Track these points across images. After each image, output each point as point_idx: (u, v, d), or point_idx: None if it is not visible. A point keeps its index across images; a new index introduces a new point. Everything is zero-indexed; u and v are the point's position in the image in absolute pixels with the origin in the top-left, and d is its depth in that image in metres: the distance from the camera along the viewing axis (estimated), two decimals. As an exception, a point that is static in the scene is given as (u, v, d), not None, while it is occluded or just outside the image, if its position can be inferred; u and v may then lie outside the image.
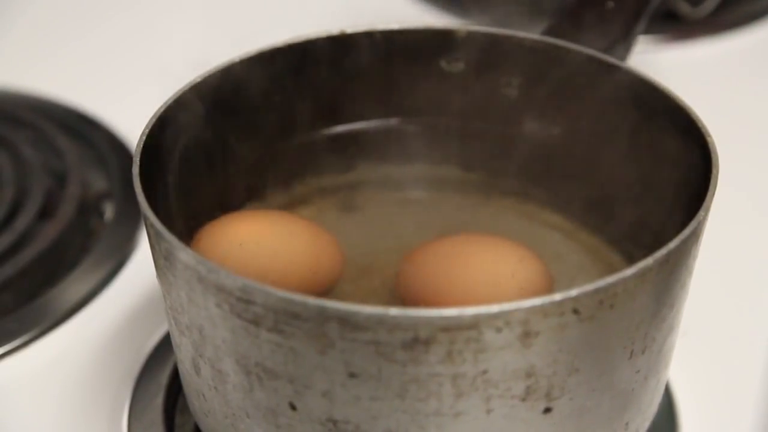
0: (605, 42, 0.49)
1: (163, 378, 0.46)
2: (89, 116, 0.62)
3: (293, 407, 0.35)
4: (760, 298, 0.52)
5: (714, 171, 0.38)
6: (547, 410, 0.35)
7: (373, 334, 0.32)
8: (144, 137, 0.39)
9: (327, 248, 0.44)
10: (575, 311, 0.33)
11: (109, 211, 0.56)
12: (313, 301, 0.32)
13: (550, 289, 0.42)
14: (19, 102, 0.63)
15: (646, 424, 0.40)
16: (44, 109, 0.63)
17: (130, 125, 0.60)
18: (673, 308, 0.38)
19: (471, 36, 0.47)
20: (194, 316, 0.36)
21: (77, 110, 0.63)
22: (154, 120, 0.40)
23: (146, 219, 0.36)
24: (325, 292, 0.43)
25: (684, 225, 0.35)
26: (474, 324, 0.32)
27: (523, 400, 0.34)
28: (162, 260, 0.36)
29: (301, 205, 0.48)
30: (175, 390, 0.46)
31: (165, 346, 0.48)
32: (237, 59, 0.44)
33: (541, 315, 0.32)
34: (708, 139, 0.39)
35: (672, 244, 0.34)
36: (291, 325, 0.33)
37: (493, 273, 0.41)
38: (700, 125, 0.40)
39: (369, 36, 0.47)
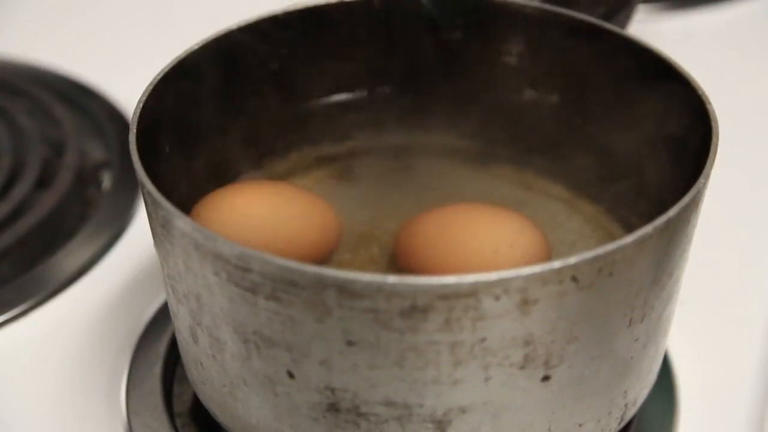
0: (605, 9, 0.48)
1: (161, 347, 0.46)
2: (87, 85, 0.62)
3: (291, 375, 0.35)
4: (758, 266, 0.52)
5: (714, 139, 0.37)
6: (546, 378, 0.35)
7: (371, 302, 0.32)
8: (141, 105, 0.39)
9: (324, 217, 0.43)
10: (574, 279, 0.32)
11: (106, 180, 0.56)
12: (310, 268, 0.31)
13: (548, 258, 0.41)
14: (16, 71, 0.63)
15: (645, 392, 0.40)
16: (41, 78, 0.62)
17: (128, 94, 0.59)
18: (672, 276, 0.37)
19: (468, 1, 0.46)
20: (192, 284, 0.36)
21: (75, 79, 0.63)
22: (150, 88, 0.40)
23: (143, 187, 0.36)
24: (323, 260, 0.43)
25: (684, 193, 0.35)
26: (472, 292, 0.31)
27: (522, 368, 0.34)
28: (159, 228, 0.36)
29: (298, 174, 0.48)
30: (173, 359, 0.46)
31: (163, 315, 0.48)
32: (234, 27, 0.44)
33: (540, 283, 0.32)
34: (708, 107, 0.39)
35: (671, 212, 0.34)
36: (289, 293, 0.32)
37: (492, 242, 0.41)
38: (700, 93, 0.39)
39: (367, 3, 0.46)
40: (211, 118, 0.44)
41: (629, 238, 0.33)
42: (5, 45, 0.65)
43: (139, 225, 0.53)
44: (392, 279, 0.31)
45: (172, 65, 0.41)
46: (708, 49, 0.62)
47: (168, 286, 0.38)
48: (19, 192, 0.53)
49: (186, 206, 0.41)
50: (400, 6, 0.46)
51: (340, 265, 0.43)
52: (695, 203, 0.36)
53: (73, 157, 0.55)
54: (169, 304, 0.40)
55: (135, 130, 0.37)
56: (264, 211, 0.42)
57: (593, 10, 0.46)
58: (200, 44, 0.43)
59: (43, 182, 0.54)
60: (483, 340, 0.33)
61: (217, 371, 0.37)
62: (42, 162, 0.55)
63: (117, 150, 0.57)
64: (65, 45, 0.65)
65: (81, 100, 0.61)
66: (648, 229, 0.33)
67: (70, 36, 0.67)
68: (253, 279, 0.33)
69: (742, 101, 0.59)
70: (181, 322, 0.38)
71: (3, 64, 0.63)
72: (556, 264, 0.32)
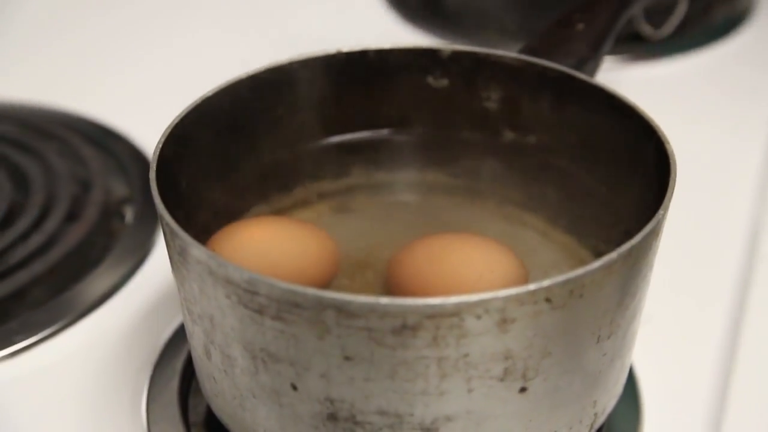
0: (575, 60, 0.49)
1: (178, 364, 0.46)
2: (111, 129, 0.62)
3: (294, 388, 0.35)
4: (712, 288, 0.52)
5: (672, 174, 0.38)
6: (523, 390, 0.35)
7: (365, 321, 0.32)
8: (159, 146, 0.39)
9: (324, 247, 0.44)
10: (548, 300, 0.33)
11: (129, 214, 0.56)
12: (311, 291, 0.32)
13: (525, 282, 0.41)
14: (47, 116, 0.63)
15: (612, 402, 0.40)
16: (70, 122, 0.63)
17: (148, 137, 0.60)
18: (635, 297, 0.38)
19: (454, 55, 0.47)
20: (205, 306, 0.36)
21: (100, 123, 0.63)
22: (168, 131, 0.40)
23: (162, 219, 0.36)
24: (324, 285, 0.43)
25: (645, 223, 0.35)
26: (456, 312, 0.32)
27: (501, 380, 0.34)
28: (176, 256, 0.36)
29: (301, 207, 0.48)
30: (188, 374, 0.46)
31: (179, 335, 0.48)
32: (243, 76, 0.44)
33: (517, 303, 0.32)
34: (667, 146, 0.39)
35: (634, 240, 0.34)
36: (292, 313, 0.33)
37: (474, 267, 0.41)
38: (660, 134, 0.40)
39: (363, 54, 0.47)
40: (223, 158, 0.45)
41: (597, 264, 0.33)
42: (38, 93, 0.65)
43: (159, 253, 0.53)
44: (384, 300, 0.32)
45: (188, 110, 0.42)
46: (668, 95, 0.63)
47: (184, 309, 0.39)
48: (50, 225, 0.53)
49: (201, 236, 0.41)
50: (392, 57, 0.47)
51: (339, 289, 0.43)
52: (655, 232, 0.36)
53: (98, 194, 0.56)
54: (185, 325, 0.40)
55: (155, 169, 0.38)
56: (271, 243, 0.43)
57: (565, 60, 0.47)
58: (213, 92, 0.43)
59: (72, 216, 0.54)
60: (466, 355, 0.33)
61: (228, 385, 0.38)
62: (71, 198, 0.55)
63: (138, 186, 0.57)
64: (92, 92, 0.66)
65: (106, 142, 0.61)
66: (613, 255, 0.34)
67: (96, 84, 0.67)
68: (260, 301, 0.33)
69: (698, 142, 0.60)
70: (196, 340, 0.39)
71: (36, 110, 0.64)
72: (532, 286, 0.32)
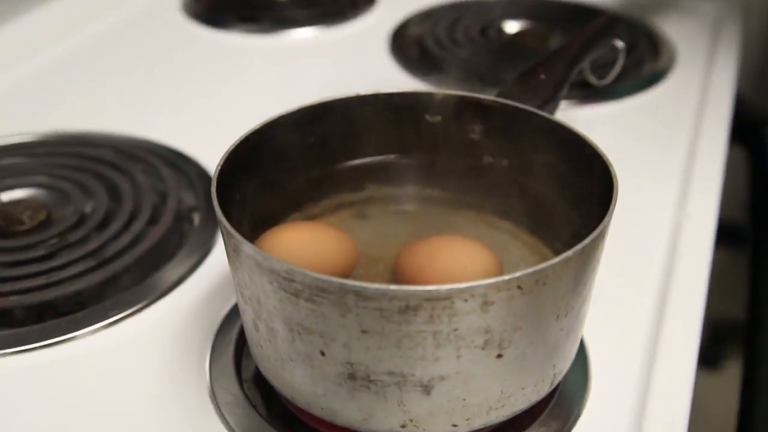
0: (539, 102, 0.48)
1: (233, 334, 0.46)
2: (183, 153, 0.62)
3: (323, 354, 0.35)
4: (644, 276, 0.51)
5: (615, 190, 0.38)
6: (499, 356, 0.35)
7: (378, 303, 0.32)
8: (219, 168, 0.39)
9: (345, 245, 0.44)
10: (519, 287, 0.33)
11: (196, 219, 0.56)
12: (336, 279, 0.32)
13: (501, 273, 0.41)
14: (135, 144, 0.63)
15: (568, 365, 0.40)
16: (152, 148, 0.63)
17: (211, 160, 0.60)
18: (586, 285, 0.37)
19: (445, 97, 0.46)
20: (254, 290, 0.36)
21: (175, 149, 0.63)
22: (226, 155, 0.40)
23: (220, 223, 0.36)
24: (345, 275, 0.43)
25: (594, 228, 0.35)
26: (448, 296, 0.32)
27: (482, 348, 0.34)
28: (231, 252, 0.36)
29: (327, 214, 0.48)
30: (241, 342, 0.46)
31: (234, 312, 0.48)
32: (284, 112, 0.44)
33: (495, 290, 0.32)
34: (610, 168, 0.39)
35: (586, 241, 0.34)
36: (321, 296, 0.33)
37: (461, 262, 0.41)
38: (605, 159, 0.40)
39: (375, 97, 0.46)
40: (267, 176, 0.45)
41: (556, 259, 0.33)
42: (128, 125, 0.65)
43: (218, 250, 0.53)
44: (392, 287, 0.32)
45: (241, 139, 0.42)
46: (607, 129, 0.62)
47: (237, 292, 0.38)
48: (136, 227, 0.53)
49: (250, 237, 0.41)
50: (397, 99, 0.47)
51: (357, 278, 0.43)
52: (602, 235, 0.36)
53: (173, 203, 0.56)
54: (238, 305, 0.40)
55: (215, 184, 0.38)
56: (304, 242, 0.42)
57: (531, 102, 0.46)
58: (260, 125, 0.43)
59: (152, 220, 0.54)
60: (456, 329, 0.33)
61: (271, 351, 0.38)
62: (152, 206, 0.55)
63: (203, 198, 0.57)
64: (168, 125, 0.66)
65: (179, 164, 0.61)
66: (569, 253, 0.34)
67: (171, 119, 0.67)
68: (296, 287, 0.33)
69: (633, 165, 0.60)
70: (247, 316, 0.39)
71: (126, 139, 0.64)
72: (507, 277, 0.32)
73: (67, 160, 0.61)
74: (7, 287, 0.48)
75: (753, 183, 0.76)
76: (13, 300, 0.48)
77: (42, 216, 0.54)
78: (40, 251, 0.51)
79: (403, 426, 0.36)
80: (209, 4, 0.85)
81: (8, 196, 0.57)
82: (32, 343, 0.46)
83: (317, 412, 0.37)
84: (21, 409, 0.42)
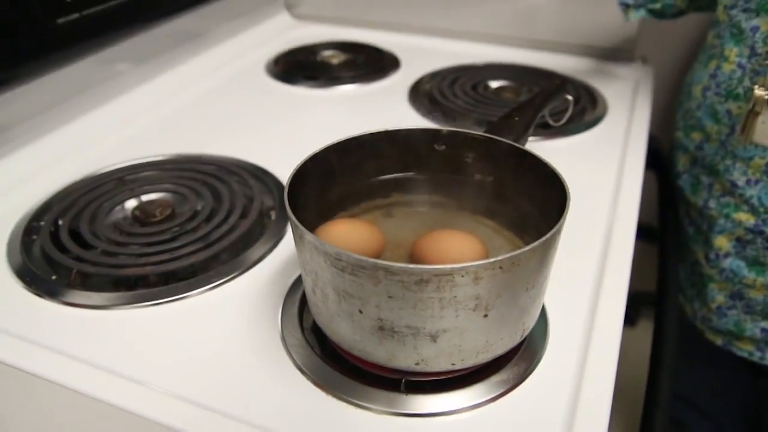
0: (514, 137, 0.48)
1: (298, 295, 0.46)
2: (265, 169, 0.61)
3: (360, 312, 0.34)
4: (588, 260, 0.50)
5: (568, 200, 0.37)
6: (486, 315, 0.34)
7: (400, 277, 0.32)
8: (289, 180, 0.39)
9: (377, 235, 0.43)
10: (500, 267, 0.32)
11: (273, 216, 0.55)
12: (371, 260, 0.32)
13: (487, 257, 0.41)
14: (231, 162, 0.62)
15: (533, 322, 0.39)
16: (243, 165, 0.62)
17: (284, 173, 0.59)
18: (548, 266, 0.37)
19: (449, 133, 0.46)
20: (312, 266, 0.35)
21: (259, 166, 0.62)
22: (294, 171, 0.40)
23: (290, 219, 0.36)
24: (377, 257, 0.42)
25: (553, 226, 0.35)
26: (450, 273, 0.31)
27: (474, 310, 0.34)
28: (297, 239, 0.36)
29: (365, 214, 0.47)
30: (303, 302, 0.45)
31: (298, 281, 0.47)
32: (334, 142, 0.44)
33: (483, 269, 0.32)
34: (565, 185, 0.38)
35: (547, 236, 0.34)
36: (360, 271, 0.32)
37: (459, 248, 0.40)
38: (561, 178, 0.39)
39: (397, 131, 0.46)
40: (324, 186, 0.44)
41: (527, 248, 0.33)
42: (227, 151, 0.65)
43: (288, 237, 0.52)
44: (411, 265, 0.31)
45: (305, 160, 0.41)
46: (562, 157, 0.61)
47: (301, 267, 0.38)
48: (231, 220, 0.53)
49: (310, 228, 0.40)
50: (414, 134, 0.46)
51: (385, 259, 0.42)
52: (559, 231, 0.35)
53: (257, 204, 0.55)
54: (302, 275, 0.39)
55: (287, 191, 0.38)
56: (348, 233, 0.42)
57: (509, 137, 0.45)
58: (318, 150, 0.42)
59: (243, 216, 0.54)
60: (455, 297, 0.32)
61: (324, 309, 0.37)
62: (242, 206, 0.55)
63: (278, 201, 0.56)
64: (255, 149, 0.65)
65: (262, 176, 0.60)
66: (536, 243, 0.33)
67: (257, 144, 0.66)
68: (342, 265, 0.33)
69: (581, 183, 0.58)
70: (307, 284, 0.38)
71: (226, 159, 0.63)
72: (492, 260, 0.32)
73: (186, 173, 0.61)
74: (144, 260, 0.49)
75: (660, 196, 0.75)
76: (148, 269, 0.48)
77: (168, 212, 0.54)
78: (167, 236, 0.51)
79: (416, 364, 0.35)
80: (284, 67, 0.85)
81: (147, 197, 0.57)
82: (161, 299, 0.46)
83: (356, 353, 0.37)
84: (153, 345, 0.42)
